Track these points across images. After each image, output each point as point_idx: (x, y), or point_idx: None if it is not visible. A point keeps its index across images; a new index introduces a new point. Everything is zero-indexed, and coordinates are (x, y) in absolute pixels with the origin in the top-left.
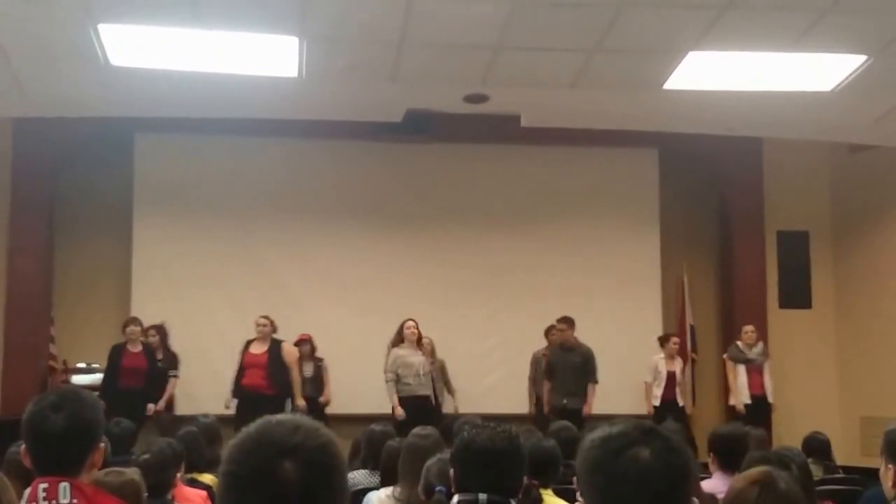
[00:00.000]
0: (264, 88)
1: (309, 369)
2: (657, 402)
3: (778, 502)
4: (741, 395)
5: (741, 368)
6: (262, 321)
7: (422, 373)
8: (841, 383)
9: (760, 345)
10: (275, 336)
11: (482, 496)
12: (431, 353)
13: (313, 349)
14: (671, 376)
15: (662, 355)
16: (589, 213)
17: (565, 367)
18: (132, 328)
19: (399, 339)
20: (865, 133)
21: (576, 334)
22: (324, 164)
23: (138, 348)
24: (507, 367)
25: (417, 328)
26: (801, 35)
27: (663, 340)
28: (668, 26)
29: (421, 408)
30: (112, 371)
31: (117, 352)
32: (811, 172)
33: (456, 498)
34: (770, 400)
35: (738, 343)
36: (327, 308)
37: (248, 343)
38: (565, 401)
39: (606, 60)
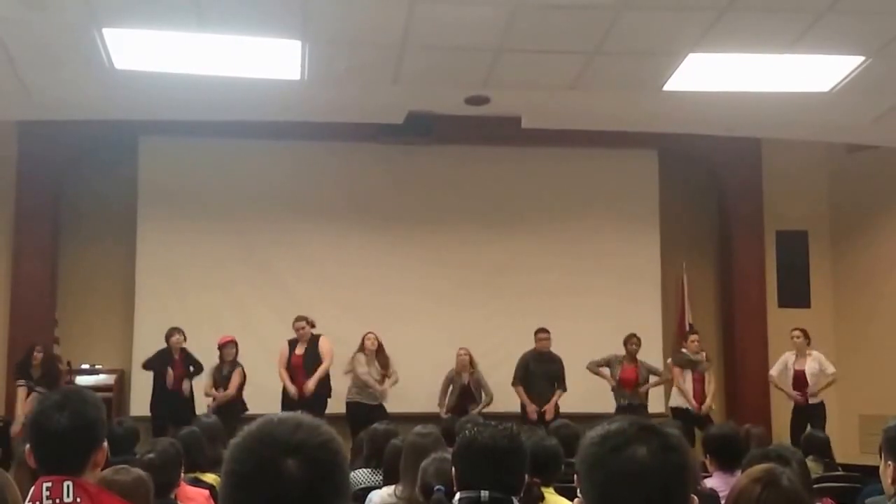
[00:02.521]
0: (268, 91)
1: (226, 370)
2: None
3: (781, 499)
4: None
5: (687, 374)
6: (299, 324)
7: (370, 384)
8: (840, 381)
9: (703, 354)
10: (313, 331)
11: (484, 493)
12: (470, 364)
13: (237, 352)
14: (799, 375)
15: (794, 350)
16: (589, 213)
17: (542, 375)
18: (176, 337)
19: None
20: (863, 133)
21: (576, 334)
22: (326, 167)
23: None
24: (509, 366)
25: (377, 340)
26: (799, 36)
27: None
28: (667, 28)
29: (366, 415)
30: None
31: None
32: (810, 172)
33: (458, 496)
34: (704, 411)
35: (684, 350)
36: (331, 309)
37: (292, 345)
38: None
39: (606, 62)
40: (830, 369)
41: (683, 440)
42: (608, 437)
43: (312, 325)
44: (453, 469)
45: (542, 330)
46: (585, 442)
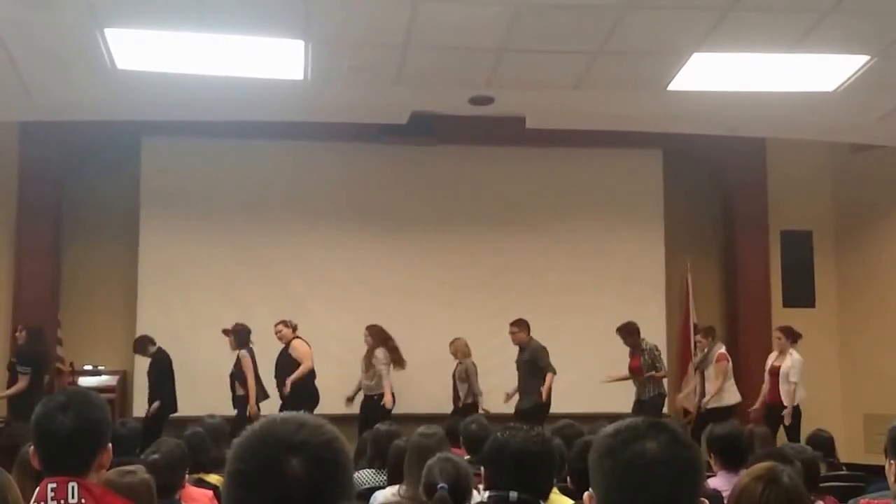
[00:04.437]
0: (270, 91)
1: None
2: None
3: (782, 496)
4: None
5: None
6: (277, 327)
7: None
8: (844, 381)
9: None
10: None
11: (513, 494)
12: (465, 355)
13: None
14: (774, 371)
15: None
16: (593, 213)
17: (516, 366)
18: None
19: None
20: (867, 133)
21: (579, 334)
22: (329, 167)
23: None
24: (511, 366)
25: (368, 334)
26: (804, 36)
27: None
28: (672, 28)
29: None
30: None
31: None
32: (814, 172)
33: (487, 494)
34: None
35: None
36: (333, 310)
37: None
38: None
39: (610, 62)
40: (793, 378)
41: (691, 439)
42: (621, 431)
43: (293, 329)
44: (483, 470)
45: (516, 322)
46: (601, 435)
